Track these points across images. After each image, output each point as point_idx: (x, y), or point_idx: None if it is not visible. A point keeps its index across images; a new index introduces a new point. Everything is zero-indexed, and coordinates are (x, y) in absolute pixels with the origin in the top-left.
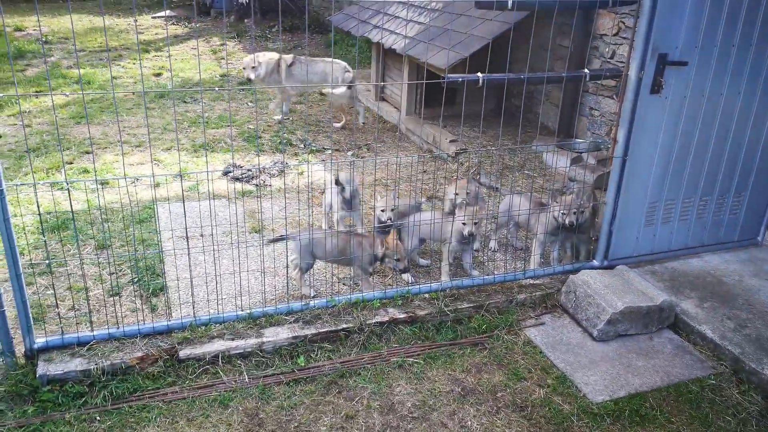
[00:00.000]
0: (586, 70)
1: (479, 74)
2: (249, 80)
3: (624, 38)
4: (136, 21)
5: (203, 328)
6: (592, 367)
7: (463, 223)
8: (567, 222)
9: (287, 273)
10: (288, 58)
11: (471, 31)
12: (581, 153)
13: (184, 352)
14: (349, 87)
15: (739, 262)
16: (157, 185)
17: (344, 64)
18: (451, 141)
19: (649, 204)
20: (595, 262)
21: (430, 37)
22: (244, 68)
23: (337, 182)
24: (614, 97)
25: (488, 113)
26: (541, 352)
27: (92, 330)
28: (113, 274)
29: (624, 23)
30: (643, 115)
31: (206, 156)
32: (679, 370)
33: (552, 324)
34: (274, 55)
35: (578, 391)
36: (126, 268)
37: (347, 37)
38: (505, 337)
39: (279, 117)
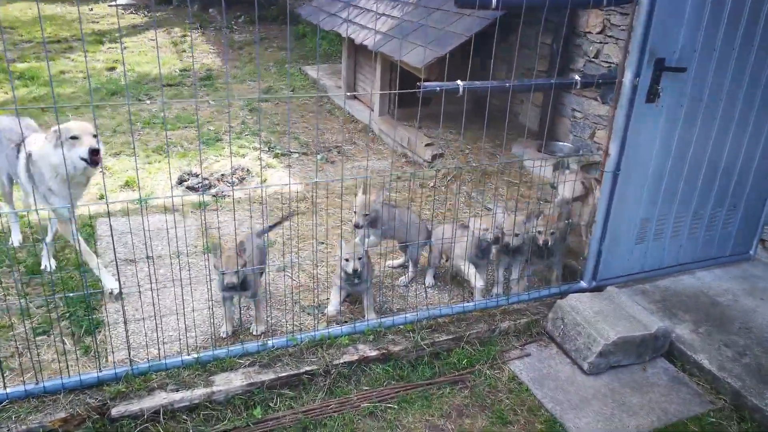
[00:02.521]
0: (577, 77)
1: (459, 82)
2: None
3: (609, 36)
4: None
5: (141, 378)
6: (583, 406)
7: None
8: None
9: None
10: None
11: (447, 27)
12: (563, 158)
13: (117, 410)
14: None
15: (732, 279)
16: (100, 198)
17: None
18: (426, 144)
19: (641, 221)
20: (583, 284)
21: (404, 32)
22: None
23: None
24: (598, 99)
25: (466, 113)
26: (527, 390)
27: (5, 387)
28: (41, 307)
29: (609, 21)
30: (638, 125)
31: (137, 173)
32: (677, 407)
33: (538, 355)
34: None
35: None
36: (58, 300)
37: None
38: (488, 372)
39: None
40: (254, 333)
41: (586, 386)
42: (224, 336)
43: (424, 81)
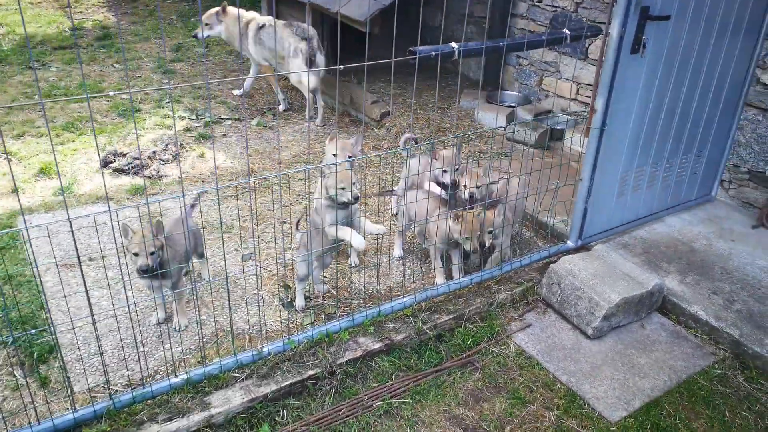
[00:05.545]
0: (566, 31)
1: (454, 45)
2: (195, 38)
3: None
4: None
5: (126, 411)
6: (596, 374)
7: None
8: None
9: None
10: (263, 19)
11: None
12: (514, 108)
13: None
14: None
15: (700, 223)
16: (13, 191)
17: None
18: (373, 102)
19: (622, 174)
20: (570, 243)
21: None
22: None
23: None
24: None
25: (400, 64)
26: (538, 364)
27: None
28: None
29: None
30: (623, 78)
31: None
32: (682, 363)
33: (539, 324)
34: (246, 15)
35: (592, 410)
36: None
37: None
38: (495, 349)
39: (239, 92)
40: (176, 329)
41: (594, 352)
42: (155, 323)
43: (369, 35)
